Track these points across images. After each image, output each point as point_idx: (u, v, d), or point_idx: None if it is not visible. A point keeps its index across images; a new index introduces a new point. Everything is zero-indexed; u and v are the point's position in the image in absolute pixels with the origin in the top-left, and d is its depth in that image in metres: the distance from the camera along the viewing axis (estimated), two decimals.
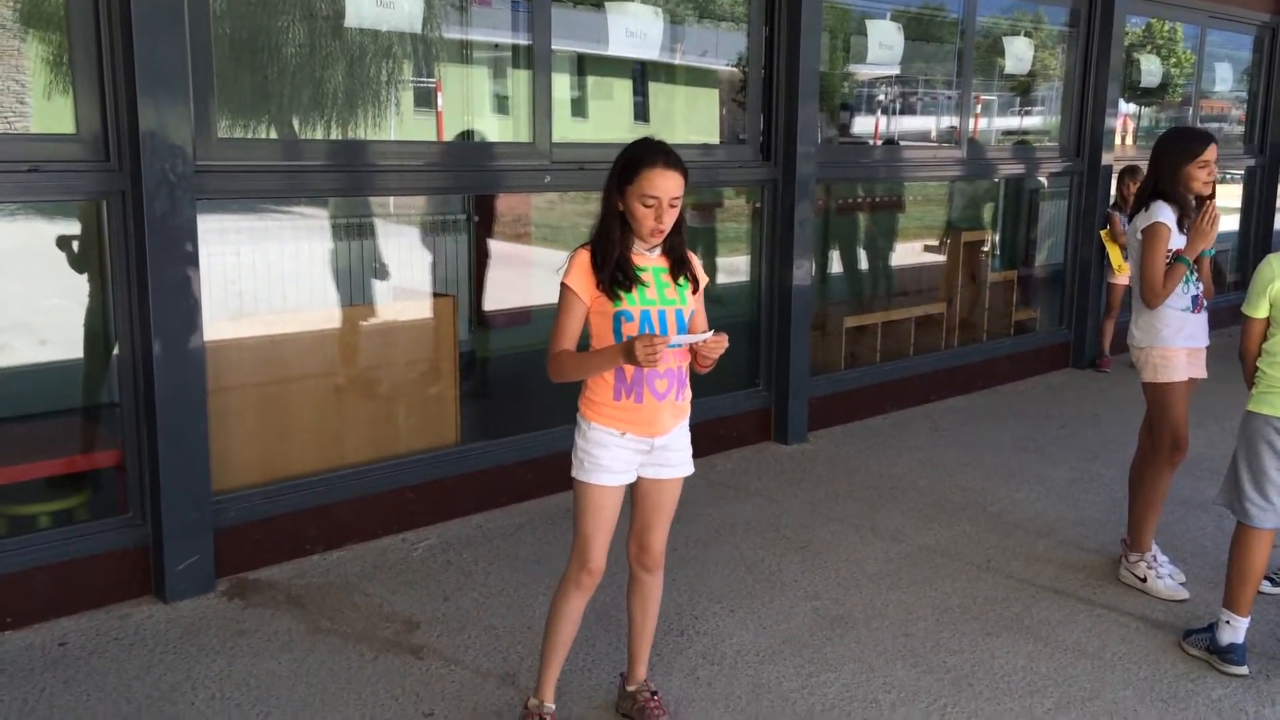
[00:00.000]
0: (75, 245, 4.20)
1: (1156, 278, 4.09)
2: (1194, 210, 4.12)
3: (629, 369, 2.89)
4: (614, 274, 2.89)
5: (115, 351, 4.02)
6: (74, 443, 4.47)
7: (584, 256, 2.92)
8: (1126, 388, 7.35)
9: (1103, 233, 7.77)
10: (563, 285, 2.92)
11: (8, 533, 3.97)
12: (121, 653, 3.63)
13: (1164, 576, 4.24)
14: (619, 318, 2.87)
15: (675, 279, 2.98)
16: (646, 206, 2.85)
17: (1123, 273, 7.50)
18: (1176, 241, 4.11)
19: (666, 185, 2.84)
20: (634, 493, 3.06)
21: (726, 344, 2.88)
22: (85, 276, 4.21)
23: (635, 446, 2.96)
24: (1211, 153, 4.11)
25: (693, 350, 2.97)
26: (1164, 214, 4.10)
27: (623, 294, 2.89)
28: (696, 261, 3.06)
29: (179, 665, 3.56)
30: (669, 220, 2.88)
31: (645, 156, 2.86)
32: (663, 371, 2.92)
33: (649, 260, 2.96)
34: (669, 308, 2.92)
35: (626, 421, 2.93)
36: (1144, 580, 4.25)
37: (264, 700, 3.36)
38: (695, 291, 3.03)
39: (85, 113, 3.80)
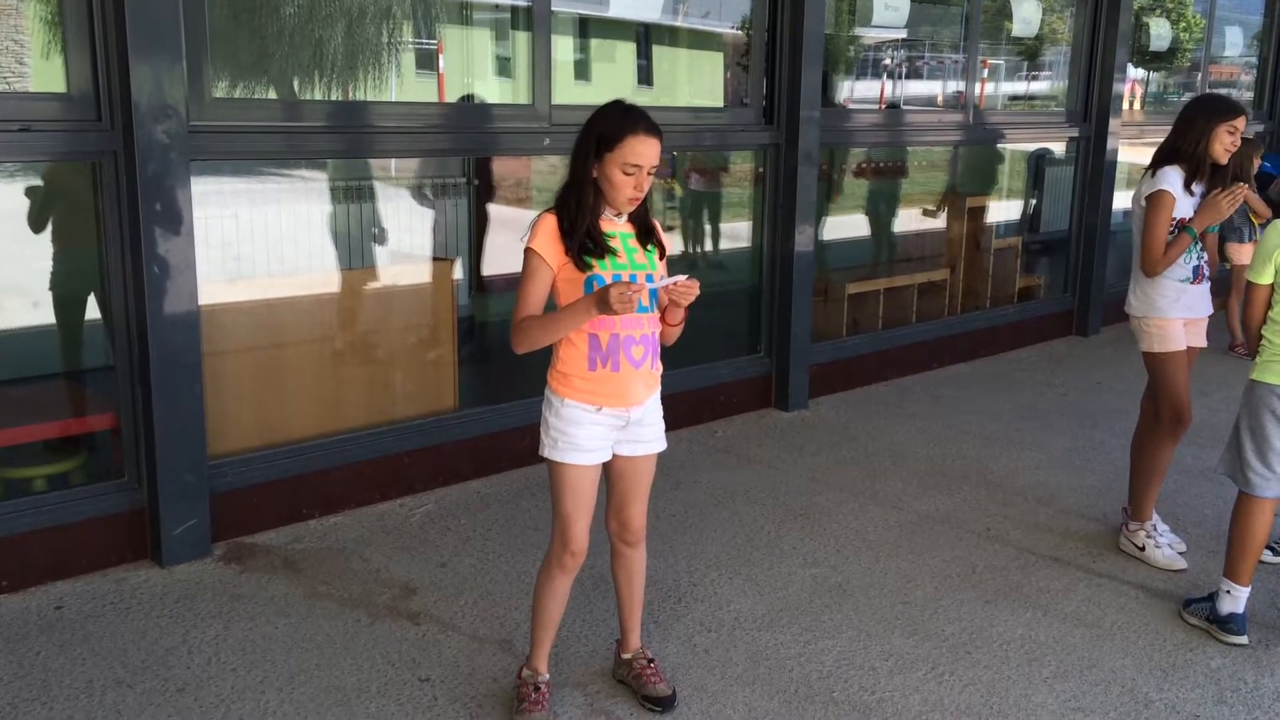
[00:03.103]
0: (40, 202, 4.16)
1: (1157, 246, 4.02)
2: (1208, 174, 4.05)
3: (604, 336, 2.84)
4: (583, 242, 2.82)
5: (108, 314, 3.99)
6: (69, 406, 4.45)
7: (550, 221, 2.85)
8: (1128, 356, 7.29)
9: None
10: (528, 250, 2.85)
11: (4, 496, 3.95)
12: (117, 617, 3.63)
13: (1163, 546, 4.22)
14: (590, 282, 2.80)
15: (643, 245, 2.93)
16: (627, 175, 2.79)
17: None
18: (1184, 208, 4.04)
19: (649, 153, 2.78)
20: (609, 470, 3.01)
21: (698, 289, 2.80)
22: (78, 237, 4.17)
23: (611, 422, 2.91)
24: (1242, 122, 4.03)
25: (661, 318, 2.93)
26: (1170, 180, 4.02)
27: (594, 261, 2.83)
28: (660, 228, 3.01)
29: (175, 629, 3.55)
30: (646, 187, 2.83)
31: (627, 124, 2.78)
32: (638, 337, 2.87)
33: (616, 226, 2.90)
34: (639, 273, 2.85)
35: (602, 394, 2.87)
36: (1142, 549, 4.23)
37: (260, 664, 3.35)
38: (662, 258, 2.98)
39: (76, 71, 3.75)
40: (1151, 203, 4.02)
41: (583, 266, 2.82)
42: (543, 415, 2.95)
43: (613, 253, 2.85)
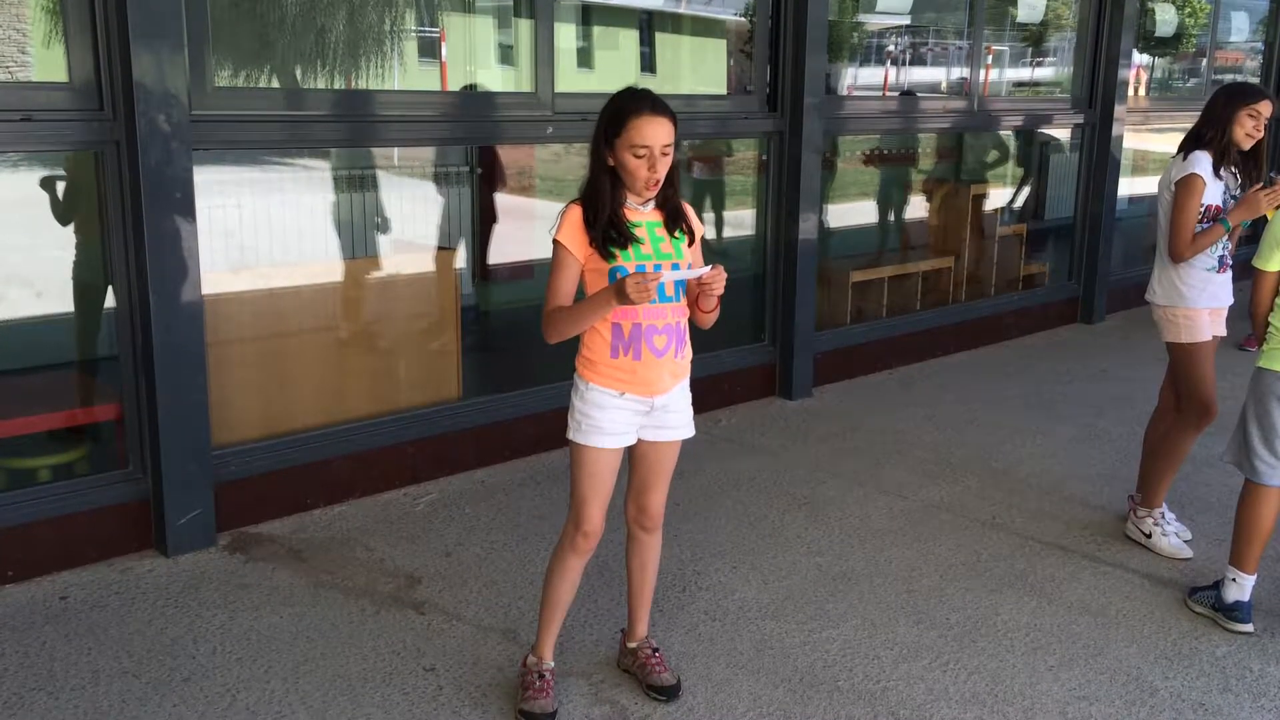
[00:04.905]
0: (61, 194, 4.15)
1: (1186, 231, 3.99)
2: (1237, 160, 4.03)
3: (626, 325, 2.84)
4: (607, 231, 2.81)
5: (112, 303, 3.99)
6: (73, 396, 4.45)
7: (576, 212, 2.84)
8: (1134, 343, 7.30)
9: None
10: (555, 242, 2.85)
11: (9, 486, 3.96)
12: (123, 606, 3.63)
13: (1170, 534, 4.21)
14: (614, 274, 2.79)
15: (670, 233, 2.91)
16: (638, 157, 2.77)
17: None
18: (1212, 194, 4.01)
19: (656, 133, 2.76)
20: (632, 454, 3.02)
21: (724, 276, 2.79)
22: (83, 228, 4.17)
23: (634, 407, 2.90)
24: (1266, 107, 4.02)
25: (693, 304, 2.92)
26: (1200, 165, 3.99)
27: (617, 250, 2.81)
28: (691, 212, 2.99)
29: (180, 619, 3.56)
30: (663, 170, 2.80)
31: (631, 105, 2.77)
32: (661, 327, 2.86)
33: (642, 215, 2.88)
34: (665, 262, 2.84)
35: (625, 381, 2.87)
36: (1149, 536, 4.22)
37: (265, 654, 3.36)
38: (692, 244, 2.96)
39: (78, 60, 3.73)
40: (1181, 187, 3.99)
41: (607, 257, 2.81)
42: (570, 399, 2.95)
43: (637, 242, 2.84)
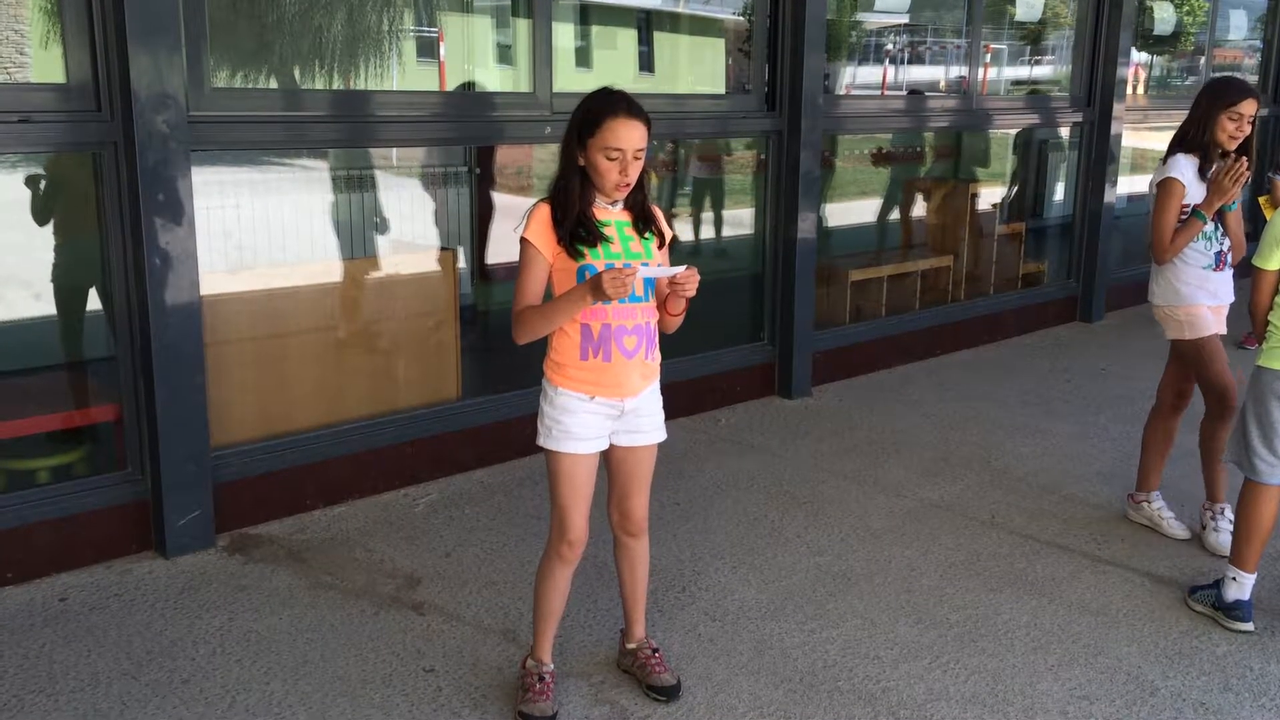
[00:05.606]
0: (43, 192, 4.15)
1: (1162, 234, 4.01)
2: (1218, 160, 4.01)
3: (596, 326, 2.82)
4: (575, 230, 2.80)
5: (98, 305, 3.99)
6: (72, 397, 4.44)
7: (544, 210, 2.83)
8: (1132, 342, 7.30)
9: (1262, 200, 7.08)
10: (522, 240, 2.83)
11: (8, 487, 3.95)
12: (122, 608, 3.63)
13: (1222, 531, 4.17)
14: (583, 272, 2.78)
15: (640, 234, 2.90)
16: (610, 159, 2.76)
17: None
18: (1194, 195, 4.01)
19: (630, 136, 2.75)
20: (608, 461, 3.00)
21: (698, 278, 2.78)
22: (80, 228, 4.16)
23: (606, 411, 2.88)
24: (1247, 106, 3.99)
25: (660, 306, 2.91)
26: (1179, 168, 4.00)
27: (585, 249, 2.80)
28: (661, 216, 2.98)
29: (179, 620, 3.55)
30: (634, 173, 2.79)
31: (607, 107, 2.75)
32: (631, 327, 2.84)
33: (611, 215, 2.87)
34: (634, 261, 2.81)
35: (594, 384, 2.86)
36: (1203, 529, 4.23)
37: (265, 656, 3.35)
38: (661, 246, 2.95)
39: (75, 62, 3.72)
40: (1160, 190, 4.02)
41: (575, 255, 2.80)
42: (539, 405, 2.94)
43: (606, 241, 2.83)
